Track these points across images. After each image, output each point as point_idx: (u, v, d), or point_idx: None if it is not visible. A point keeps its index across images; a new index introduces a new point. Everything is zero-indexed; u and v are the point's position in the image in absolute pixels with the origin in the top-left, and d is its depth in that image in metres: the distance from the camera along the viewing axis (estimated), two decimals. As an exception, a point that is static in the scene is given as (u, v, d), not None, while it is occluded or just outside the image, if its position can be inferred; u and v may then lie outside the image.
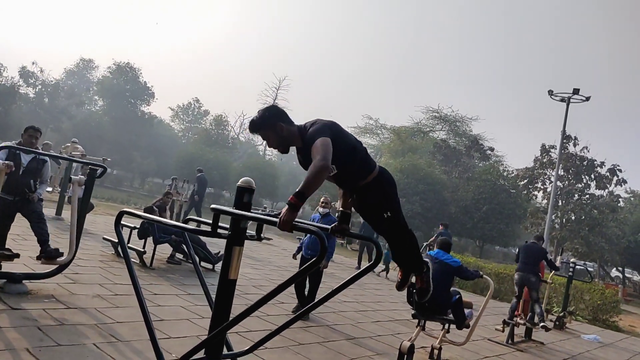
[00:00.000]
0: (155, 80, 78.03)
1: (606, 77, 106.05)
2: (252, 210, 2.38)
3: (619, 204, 30.92)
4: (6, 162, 4.99)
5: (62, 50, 76.88)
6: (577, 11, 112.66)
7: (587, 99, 21.93)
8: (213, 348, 2.28)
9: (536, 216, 29.34)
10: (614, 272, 35.89)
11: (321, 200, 7.12)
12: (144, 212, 8.09)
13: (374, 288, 10.37)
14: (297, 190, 2.32)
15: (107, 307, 5.01)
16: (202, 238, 8.22)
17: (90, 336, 4.08)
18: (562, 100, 22.33)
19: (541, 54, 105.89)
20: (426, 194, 26.73)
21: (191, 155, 33.44)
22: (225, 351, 2.48)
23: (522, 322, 8.04)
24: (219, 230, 2.26)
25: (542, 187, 30.44)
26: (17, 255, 5.25)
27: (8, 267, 5.32)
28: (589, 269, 20.01)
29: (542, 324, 7.98)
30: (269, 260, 11.16)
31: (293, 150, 2.81)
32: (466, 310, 5.65)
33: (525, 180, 30.52)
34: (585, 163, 28.56)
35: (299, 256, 7.23)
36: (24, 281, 5.02)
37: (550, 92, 22.56)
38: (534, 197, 31.75)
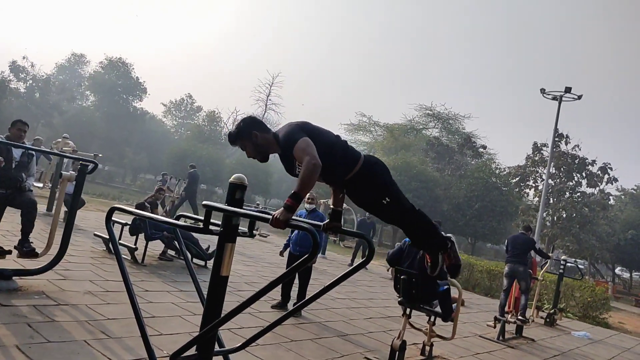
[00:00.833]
0: (147, 76, 77.55)
1: (598, 76, 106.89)
2: (244, 207, 2.38)
3: (609, 202, 31.29)
4: None
5: (53, 45, 76.13)
6: (570, 11, 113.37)
7: (579, 97, 22.08)
8: (205, 345, 2.27)
9: (528, 214, 29.60)
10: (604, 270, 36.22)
11: (307, 196, 7.07)
12: (136, 208, 8.06)
13: (367, 285, 10.39)
14: (292, 191, 2.34)
15: (98, 303, 4.98)
16: (194, 234, 8.20)
17: (80, 333, 4.05)
18: (554, 98, 22.47)
19: (534, 53, 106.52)
20: (419, 191, 26.78)
21: (184, 151, 33.11)
22: (217, 348, 2.47)
23: (512, 320, 8.09)
24: (211, 227, 2.25)
25: (533, 184, 30.73)
26: (9, 252, 5.22)
27: (-2, 263, 5.27)
28: (580, 266, 20.23)
29: (519, 317, 8.05)
30: (261, 257, 11.14)
31: None
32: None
33: (517, 178, 30.78)
34: (576, 161, 28.83)
35: (286, 253, 7.14)
36: (13, 277, 4.97)
37: (543, 91, 22.69)
38: (525, 195, 32.00)
